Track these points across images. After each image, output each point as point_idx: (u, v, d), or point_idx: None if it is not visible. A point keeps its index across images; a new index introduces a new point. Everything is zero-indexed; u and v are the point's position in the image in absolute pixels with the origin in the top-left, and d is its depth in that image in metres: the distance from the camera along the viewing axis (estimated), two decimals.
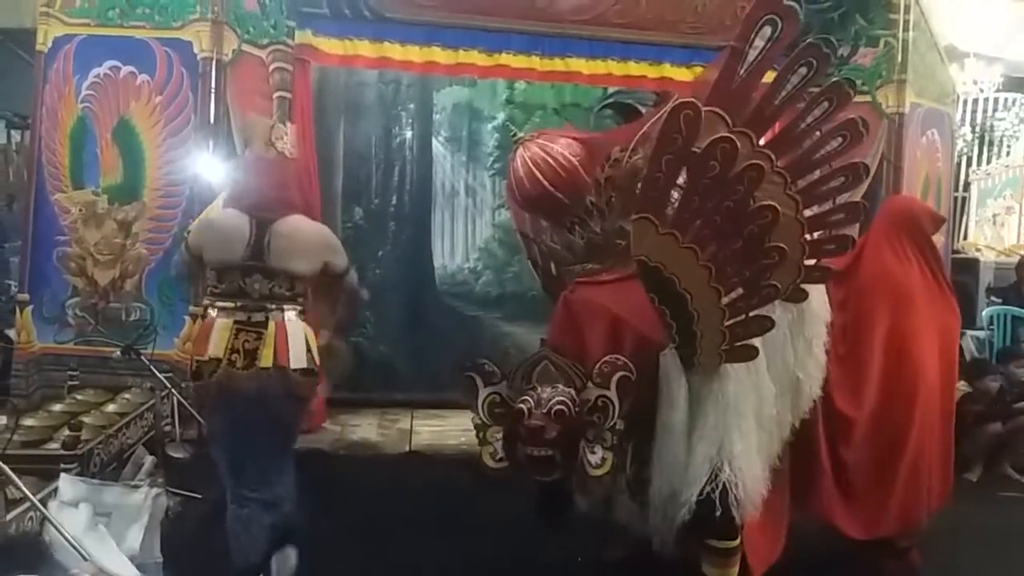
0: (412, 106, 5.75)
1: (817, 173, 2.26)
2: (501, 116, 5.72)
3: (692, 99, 2.05)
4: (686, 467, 2.31)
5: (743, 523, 2.43)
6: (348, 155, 5.59)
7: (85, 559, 2.41)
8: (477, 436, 2.36)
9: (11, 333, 4.54)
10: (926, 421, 2.89)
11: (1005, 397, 4.52)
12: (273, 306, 2.50)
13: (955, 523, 3.27)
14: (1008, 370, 4.78)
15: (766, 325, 2.28)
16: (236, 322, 2.47)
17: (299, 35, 4.48)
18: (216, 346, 2.45)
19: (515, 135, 2.96)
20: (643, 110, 3.02)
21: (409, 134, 5.78)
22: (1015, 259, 6.76)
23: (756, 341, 2.31)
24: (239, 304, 2.49)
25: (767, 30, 2.12)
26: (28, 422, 3.29)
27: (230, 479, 2.51)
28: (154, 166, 4.40)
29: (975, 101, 8.69)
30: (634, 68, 4.85)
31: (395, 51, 4.60)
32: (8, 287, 5.50)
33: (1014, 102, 8.73)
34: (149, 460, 3.41)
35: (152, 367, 3.60)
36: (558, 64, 4.79)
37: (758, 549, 2.56)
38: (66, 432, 3.13)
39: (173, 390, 3.71)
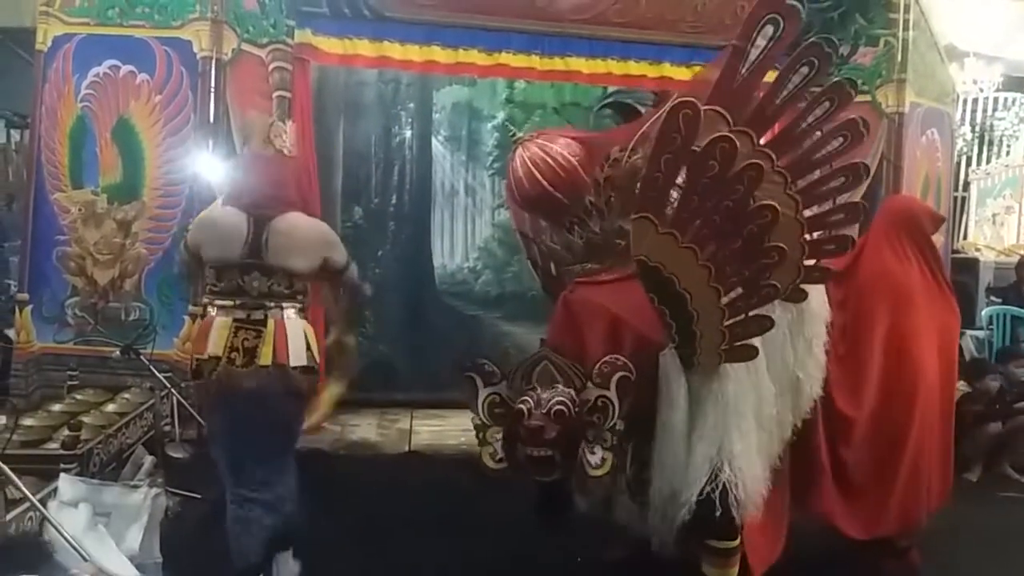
0: (412, 105, 5.75)
1: (817, 173, 2.26)
2: (501, 115, 5.72)
3: (691, 98, 2.05)
4: (686, 467, 2.31)
5: (743, 523, 2.43)
6: (348, 154, 5.58)
7: (85, 559, 2.41)
8: (477, 436, 2.36)
9: (10, 333, 4.54)
10: (926, 421, 2.89)
11: (1005, 397, 4.52)
12: (272, 304, 2.50)
13: (955, 523, 3.27)
14: (1008, 370, 4.78)
15: (766, 325, 2.28)
16: (235, 320, 2.47)
17: (299, 34, 4.48)
18: (215, 344, 2.45)
19: (514, 135, 2.96)
20: (642, 110, 3.02)
21: (409, 133, 5.78)
22: (1015, 259, 6.76)
23: (756, 341, 2.31)
24: (238, 302, 2.49)
25: (769, 29, 2.12)
26: (28, 422, 3.29)
27: (230, 478, 2.50)
28: (154, 165, 4.39)
29: (975, 101, 8.69)
30: (634, 67, 4.85)
31: (395, 50, 4.60)
32: (8, 287, 5.50)
33: (1014, 101, 8.72)
34: (149, 460, 3.41)
35: (151, 367, 3.60)
36: (558, 63, 4.79)
37: (758, 549, 2.56)
38: (66, 432, 3.13)
39: (173, 390, 3.71)
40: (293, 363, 2.47)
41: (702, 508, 2.30)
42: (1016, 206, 8.09)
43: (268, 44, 4.43)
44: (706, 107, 2.04)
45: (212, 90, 4.40)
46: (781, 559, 2.63)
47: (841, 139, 2.20)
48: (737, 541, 2.48)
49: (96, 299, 4.40)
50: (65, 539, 2.44)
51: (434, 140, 5.83)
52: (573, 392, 2.25)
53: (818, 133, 2.21)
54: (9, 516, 2.60)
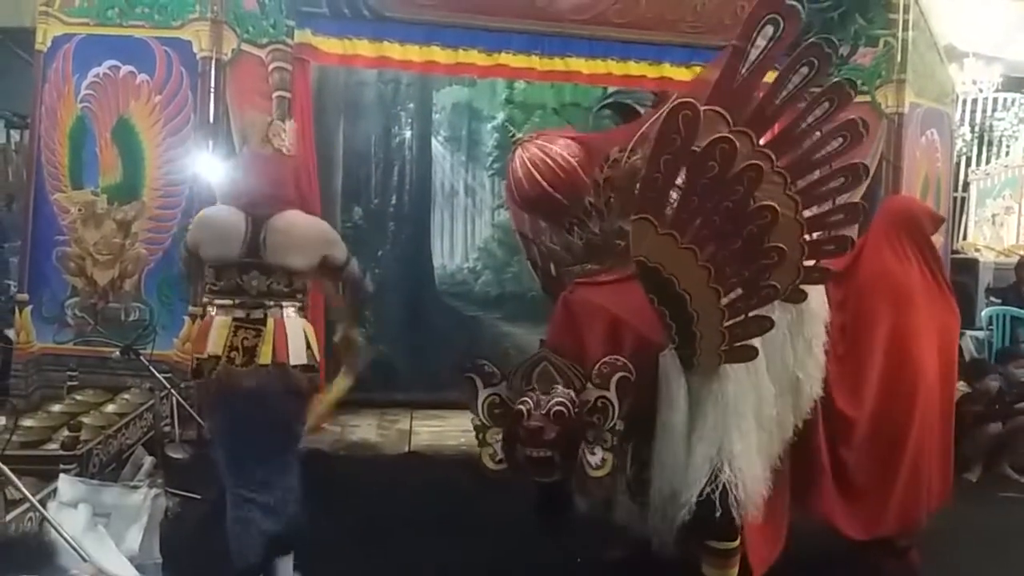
0: (411, 106, 5.76)
1: (817, 173, 2.26)
2: (501, 116, 5.72)
3: (691, 99, 2.05)
4: (686, 468, 2.31)
5: (743, 524, 2.43)
6: (347, 154, 5.59)
7: (84, 560, 2.40)
8: (476, 437, 2.36)
9: (10, 333, 4.54)
10: (926, 421, 2.89)
11: (1004, 397, 4.52)
12: (271, 303, 2.50)
13: (955, 523, 3.27)
14: (1007, 370, 4.77)
15: (765, 325, 2.28)
16: (235, 319, 2.47)
17: (298, 34, 4.48)
18: (215, 343, 2.45)
19: (514, 136, 2.96)
20: (642, 110, 3.02)
21: (408, 134, 5.78)
22: (1014, 259, 6.75)
23: (755, 341, 2.31)
24: (237, 301, 2.49)
25: (769, 29, 2.12)
26: (27, 422, 3.29)
27: (229, 478, 2.50)
28: (153, 166, 4.40)
29: (974, 101, 8.69)
30: (634, 68, 4.85)
31: (394, 50, 4.60)
32: (7, 287, 5.50)
33: (1013, 102, 8.72)
34: (148, 461, 3.41)
35: (151, 367, 3.60)
36: (558, 64, 4.79)
37: (758, 549, 2.56)
38: (65, 433, 3.13)
39: (172, 390, 3.71)
40: (293, 362, 2.47)
41: (702, 509, 2.30)
42: (1016, 207, 8.09)
43: (268, 44, 4.43)
44: (706, 107, 2.04)
45: (212, 90, 4.40)
46: (781, 559, 2.62)
47: (841, 139, 2.20)
48: (737, 542, 2.48)
49: (96, 299, 4.40)
50: (65, 540, 2.44)
51: (434, 140, 5.83)
52: (573, 393, 2.25)
53: (818, 133, 2.20)
54: (9, 517, 2.60)
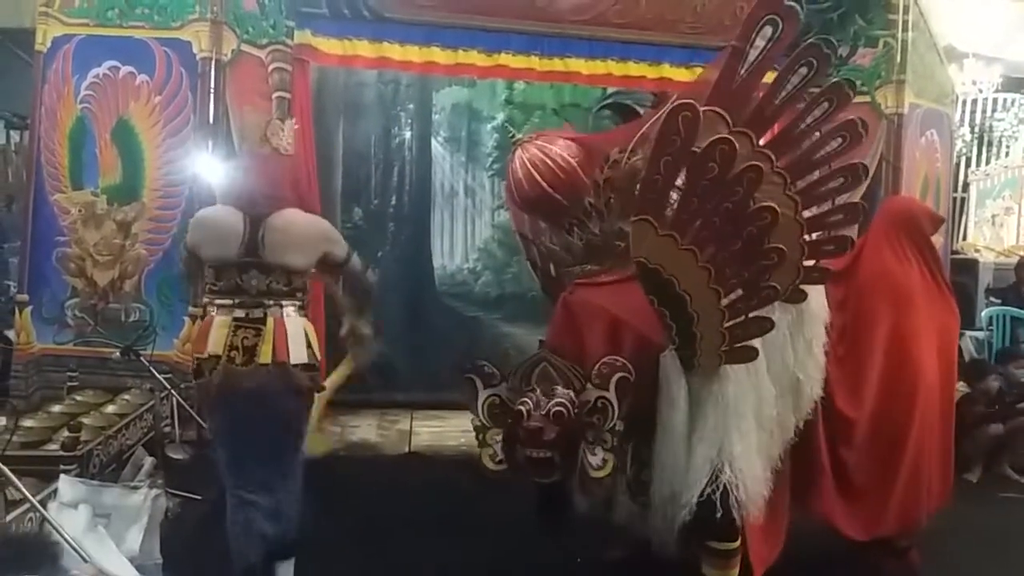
0: (411, 106, 5.76)
1: (816, 174, 2.26)
2: (500, 116, 5.72)
3: (690, 100, 2.05)
4: (686, 469, 2.31)
5: (744, 524, 2.43)
6: (347, 155, 5.59)
7: (85, 560, 2.40)
8: (476, 438, 2.36)
9: (10, 334, 4.54)
10: (926, 421, 2.89)
11: (1004, 398, 4.52)
12: (271, 302, 2.49)
13: (955, 523, 3.27)
14: (1007, 371, 4.78)
15: (766, 326, 2.28)
16: (235, 319, 2.46)
17: (298, 35, 4.47)
18: (215, 343, 2.44)
19: (513, 136, 2.96)
20: (641, 111, 3.02)
21: (408, 134, 5.78)
22: (1014, 260, 6.76)
23: (756, 342, 2.31)
24: (237, 301, 2.48)
25: (768, 30, 2.12)
26: (27, 423, 3.29)
27: (230, 479, 2.49)
28: (153, 166, 4.39)
29: (974, 101, 8.69)
30: (633, 68, 4.84)
31: (394, 51, 4.59)
32: (7, 288, 5.50)
33: (1013, 102, 8.73)
34: (149, 461, 3.41)
35: (151, 368, 3.60)
36: (557, 64, 4.78)
37: (758, 549, 2.56)
38: (65, 433, 3.13)
39: (172, 391, 3.71)
40: (293, 361, 2.46)
41: (702, 509, 2.31)
42: (1015, 207, 8.10)
43: (268, 45, 4.43)
44: (705, 108, 2.04)
45: (212, 91, 4.39)
46: (781, 559, 2.63)
47: (840, 140, 2.20)
48: (737, 542, 2.48)
49: (96, 300, 4.40)
50: (65, 540, 2.44)
51: (434, 141, 5.83)
52: (572, 393, 2.26)
53: (817, 134, 2.21)
54: (9, 517, 2.59)
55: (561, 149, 2.80)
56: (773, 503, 2.50)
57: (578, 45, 4.78)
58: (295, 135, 4.11)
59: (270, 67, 4.42)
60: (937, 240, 3.43)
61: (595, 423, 2.24)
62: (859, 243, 2.92)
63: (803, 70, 2.13)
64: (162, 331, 4.16)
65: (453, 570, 3.01)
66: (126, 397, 3.91)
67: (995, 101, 8.81)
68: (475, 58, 4.69)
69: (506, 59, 4.72)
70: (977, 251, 7.53)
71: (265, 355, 2.43)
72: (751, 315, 2.24)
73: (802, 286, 2.27)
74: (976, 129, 8.79)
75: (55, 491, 2.76)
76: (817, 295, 2.58)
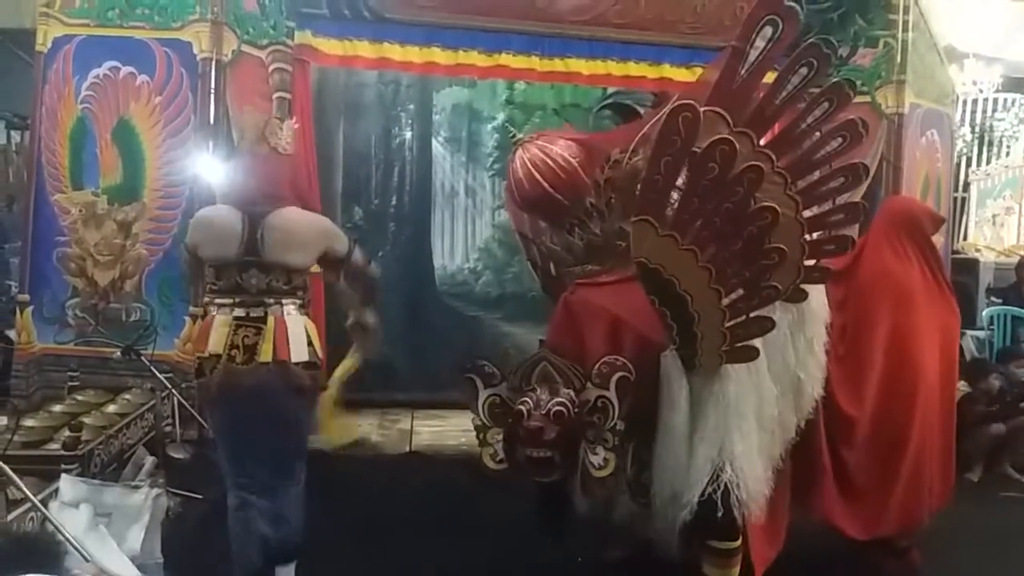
0: (412, 107, 5.76)
1: (817, 174, 2.26)
2: (501, 117, 5.72)
3: (691, 100, 2.05)
4: (687, 468, 2.31)
5: (745, 523, 2.43)
6: (348, 155, 5.59)
7: (86, 560, 2.40)
8: (477, 437, 2.36)
9: (11, 334, 4.55)
10: (926, 421, 2.89)
11: (1005, 397, 4.52)
12: (272, 301, 2.49)
13: (955, 523, 3.26)
14: (1008, 370, 4.78)
15: (766, 326, 2.28)
16: (235, 318, 2.47)
17: (299, 36, 4.47)
18: (216, 342, 2.45)
19: (514, 136, 2.96)
20: (642, 111, 3.02)
21: (409, 135, 5.78)
22: (1015, 259, 6.77)
23: (757, 342, 2.31)
24: (237, 300, 2.49)
25: (768, 30, 2.12)
26: (28, 423, 3.29)
27: (231, 478, 2.50)
28: (154, 167, 4.40)
29: (974, 101, 8.69)
30: (634, 68, 4.84)
31: (395, 52, 4.60)
32: (8, 288, 5.50)
33: (1013, 102, 8.73)
34: (149, 461, 3.41)
35: (152, 368, 3.61)
36: (558, 64, 4.79)
37: (759, 549, 2.56)
38: (66, 433, 3.13)
39: (173, 391, 3.72)
40: (294, 359, 2.46)
41: (703, 509, 2.31)
42: (1016, 207, 8.10)
43: (268, 45, 4.43)
44: (706, 108, 2.04)
45: (212, 91, 4.40)
46: (781, 559, 2.63)
47: (840, 140, 2.20)
48: (738, 542, 2.48)
49: (97, 300, 4.40)
50: (66, 540, 2.44)
51: (434, 141, 5.83)
52: (572, 393, 2.26)
53: (817, 134, 2.21)
54: (10, 516, 2.60)
55: (562, 149, 2.80)
56: (774, 502, 2.50)
57: (578, 45, 4.78)
58: (295, 135, 4.10)
59: (270, 68, 4.43)
60: (938, 240, 3.43)
61: (596, 423, 2.24)
62: (860, 243, 2.91)
63: (803, 70, 2.12)
64: (163, 331, 4.17)
65: (453, 570, 3.01)
66: (127, 397, 3.92)
67: (995, 101, 8.81)
68: (475, 58, 4.69)
69: (506, 59, 4.72)
70: (978, 251, 7.53)
71: (266, 354, 2.44)
72: (752, 315, 2.24)
73: (803, 286, 2.27)
74: (977, 129, 8.80)
75: (56, 490, 2.76)
76: (818, 294, 2.57)
